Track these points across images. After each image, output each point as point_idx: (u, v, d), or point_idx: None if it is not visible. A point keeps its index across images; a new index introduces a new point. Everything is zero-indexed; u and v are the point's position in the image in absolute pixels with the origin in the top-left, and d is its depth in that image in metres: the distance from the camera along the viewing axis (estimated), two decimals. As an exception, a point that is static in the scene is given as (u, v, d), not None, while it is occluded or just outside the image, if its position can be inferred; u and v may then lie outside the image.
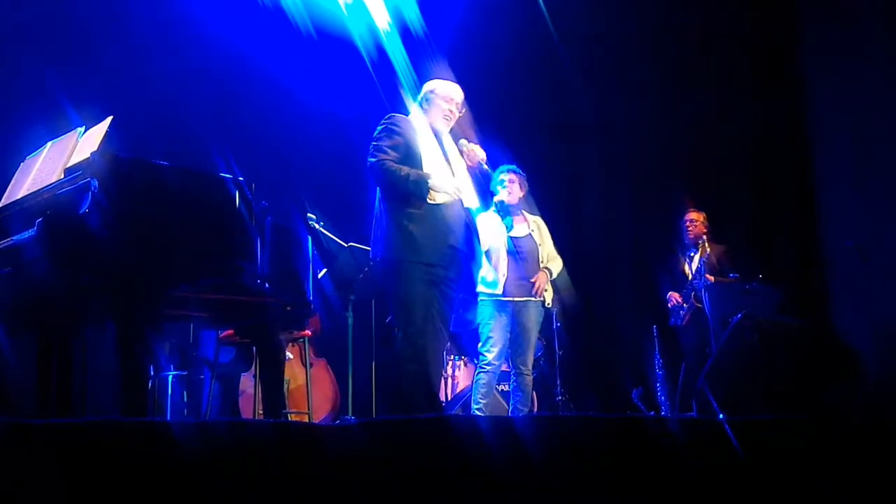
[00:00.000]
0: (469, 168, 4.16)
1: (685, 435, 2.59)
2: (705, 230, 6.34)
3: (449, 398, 6.06)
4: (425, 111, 4.14)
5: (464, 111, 4.17)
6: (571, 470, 2.44)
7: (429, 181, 3.89)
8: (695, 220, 6.46)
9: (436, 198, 3.90)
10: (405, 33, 6.48)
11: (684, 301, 6.32)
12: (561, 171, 7.65)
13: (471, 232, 4.06)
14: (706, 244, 6.16)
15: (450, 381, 6.15)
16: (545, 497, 2.38)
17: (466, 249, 4.02)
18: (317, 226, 5.50)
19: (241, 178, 3.61)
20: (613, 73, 7.62)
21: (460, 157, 4.17)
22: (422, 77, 5.35)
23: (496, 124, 6.70)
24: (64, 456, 2.08)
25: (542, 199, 5.82)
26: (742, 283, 6.06)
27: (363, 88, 6.02)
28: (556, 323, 6.28)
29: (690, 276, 6.32)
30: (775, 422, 2.74)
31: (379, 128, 4.02)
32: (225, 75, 6.40)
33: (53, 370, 3.49)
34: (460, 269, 4.03)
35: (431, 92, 4.16)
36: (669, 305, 6.44)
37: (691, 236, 6.43)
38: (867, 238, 6.11)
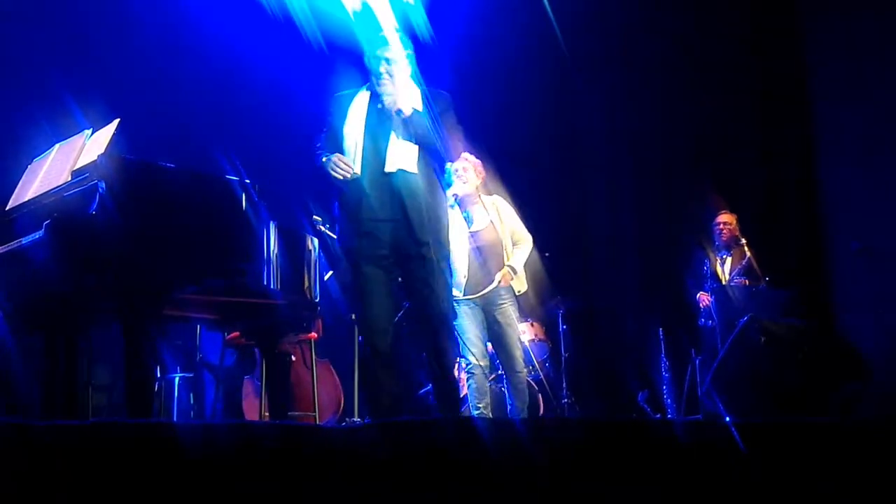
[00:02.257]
0: (409, 123, 3.71)
1: (691, 438, 2.58)
2: (739, 233, 6.21)
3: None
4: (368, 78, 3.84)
5: (394, 61, 3.77)
6: (577, 473, 2.44)
7: (331, 159, 3.65)
8: (728, 222, 6.32)
9: (348, 174, 3.65)
10: (413, 39, 6.48)
11: None
12: (565, 173, 7.65)
13: (402, 196, 3.66)
14: (746, 247, 6.04)
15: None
16: (550, 500, 2.38)
17: (401, 216, 3.66)
18: (323, 228, 5.50)
19: (247, 181, 3.62)
20: (617, 71, 7.63)
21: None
22: (427, 81, 5.34)
23: (500, 124, 6.71)
24: (70, 457, 2.08)
25: (547, 202, 5.79)
26: (749, 286, 6.04)
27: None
28: (562, 325, 6.27)
29: (725, 279, 6.20)
30: (782, 424, 2.73)
31: None
32: (231, 78, 6.41)
33: (60, 371, 3.50)
34: (407, 240, 3.67)
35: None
36: (701, 306, 6.30)
37: (724, 238, 6.31)
38: (873, 239, 6.10)
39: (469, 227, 5.15)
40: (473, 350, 5.03)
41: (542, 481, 2.39)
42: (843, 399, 4.65)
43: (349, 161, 3.67)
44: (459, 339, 5.11)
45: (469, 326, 5.05)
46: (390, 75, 3.76)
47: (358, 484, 2.27)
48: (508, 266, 5.11)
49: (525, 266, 5.24)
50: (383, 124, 3.76)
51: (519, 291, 5.17)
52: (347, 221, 3.74)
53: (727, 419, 3.81)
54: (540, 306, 6.14)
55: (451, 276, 5.11)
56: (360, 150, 3.71)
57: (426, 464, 2.36)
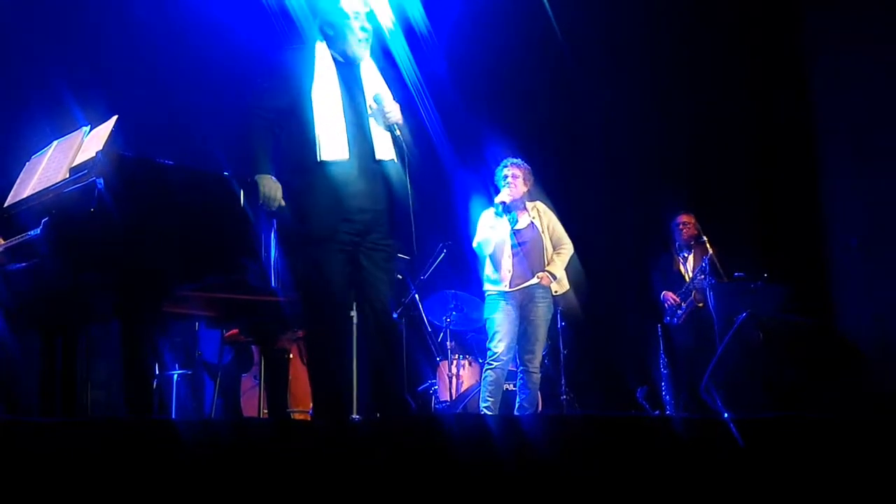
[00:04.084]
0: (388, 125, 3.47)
1: (690, 434, 2.59)
2: (697, 231, 6.44)
3: (454, 397, 6.07)
4: (330, 40, 3.52)
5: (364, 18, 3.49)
6: (576, 469, 2.44)
7: (270, 188, 3.33)
8: (687, 222, 6.60)
9: (325, 155, 3.33)
10: (409, 33, 6.48)
11: (682, 301, 6.41)
12: (564, 168, 7.65)
13: (388, 186, 3.43)
14: (708, 244, 6.21)
15: (454, 380, 6.15)
16: (549, 496, 2.38)
17: (384, 208, 3.44)
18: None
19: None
20: (615, 70, 7.62)
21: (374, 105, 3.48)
22: (425, 76, 5.31)
23: (498, 123, 6.70)
24: (68, 454, 2.08)
25: (544, 195, 5.82)
26: (747, 282, 6.08)
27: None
28: (561, 322, 6.27)
29: (688, 277, 6.43)
30: (780, 420, 2.73)
31: None
32: (229, 74, 6.40)
33: (58, 367, 3.50)
34: (381, 231, 3.44)
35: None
36: (666, 305, 6.54)
37: (684, 237, 6.57)
38: (870, 235, 6.12)
39: (512, 227, 5.33)
40: (499, 344, 5.17)
41: (541, 477, 2.39)
42: (841, 395, 4.66)
43: (279, 200, 3.35)
44: (488, 332, 5.25)
45: (503, 321, 5.20)
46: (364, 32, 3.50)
47: (355, 480, 2.27)
48: (547, 271, 5.29)
49: (567, 269, 5.42)
50: (359, 102, 3.47)
51: (556, 292, 5.35)
52: (326, 206, 3.36)
53: (726, 415, 3.82)
54: (579, 307, 6.24)
55: (493, 271, 5.29)
56: (343, 131, 3.36)
57: (424, 460, 2.37)
